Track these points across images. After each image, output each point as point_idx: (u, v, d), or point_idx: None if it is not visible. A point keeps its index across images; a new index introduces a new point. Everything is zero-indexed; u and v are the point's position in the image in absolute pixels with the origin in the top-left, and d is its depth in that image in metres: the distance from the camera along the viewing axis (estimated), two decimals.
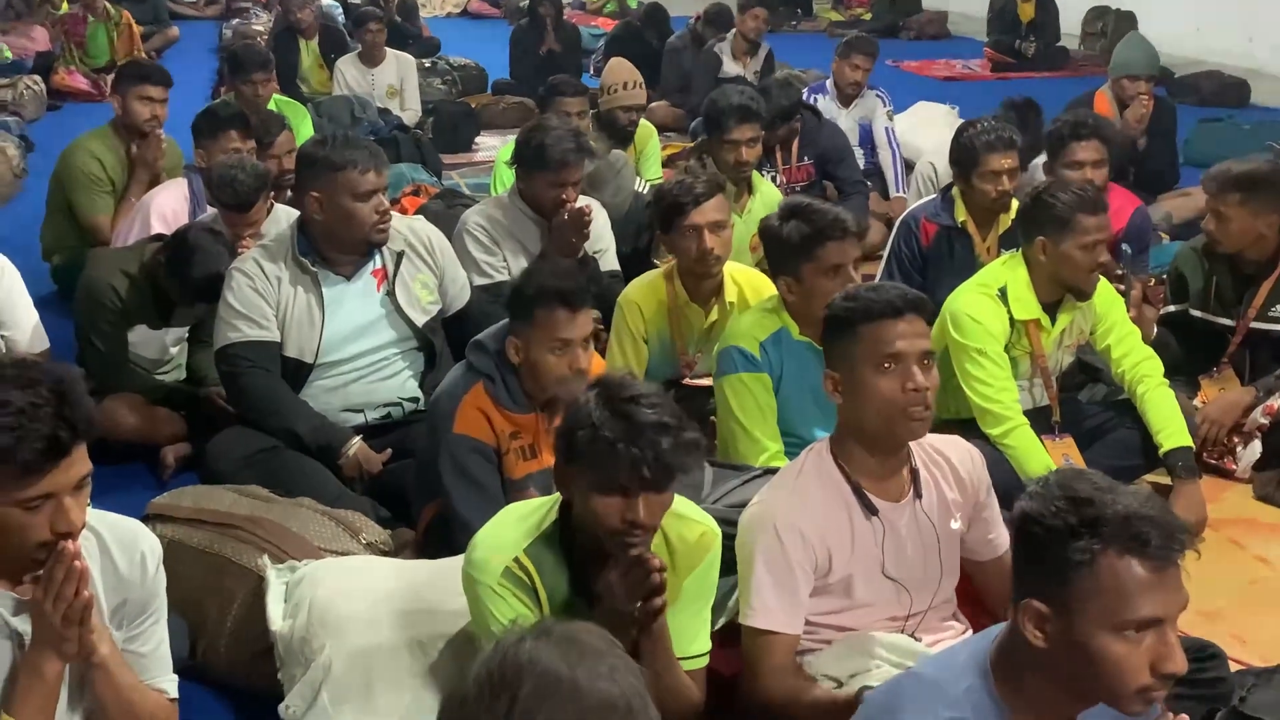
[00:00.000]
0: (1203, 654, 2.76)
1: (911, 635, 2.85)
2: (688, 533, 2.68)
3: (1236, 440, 4.38)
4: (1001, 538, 2.99)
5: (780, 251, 3.70)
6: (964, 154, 4.86)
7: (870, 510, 2.78)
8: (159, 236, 4.71)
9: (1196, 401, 4.53)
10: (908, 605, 2.85)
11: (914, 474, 2.84)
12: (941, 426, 3.98)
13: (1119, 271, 4.72)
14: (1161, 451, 4.05)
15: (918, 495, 2.83)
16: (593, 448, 2.41)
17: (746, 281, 4.29)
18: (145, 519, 3.31)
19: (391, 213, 4.09)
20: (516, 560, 2.56)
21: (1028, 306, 4.03)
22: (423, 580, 3.06)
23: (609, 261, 4.98)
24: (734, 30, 9.39)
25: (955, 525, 2.88)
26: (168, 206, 5.20)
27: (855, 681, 2.71)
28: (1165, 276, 4.99)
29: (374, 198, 3.95)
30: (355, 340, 4.04)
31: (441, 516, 3.43)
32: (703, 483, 3.33)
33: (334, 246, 4.01)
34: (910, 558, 2.82)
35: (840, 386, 2.79)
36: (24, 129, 8.84)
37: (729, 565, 2.81)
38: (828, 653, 2.80)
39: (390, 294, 4.08)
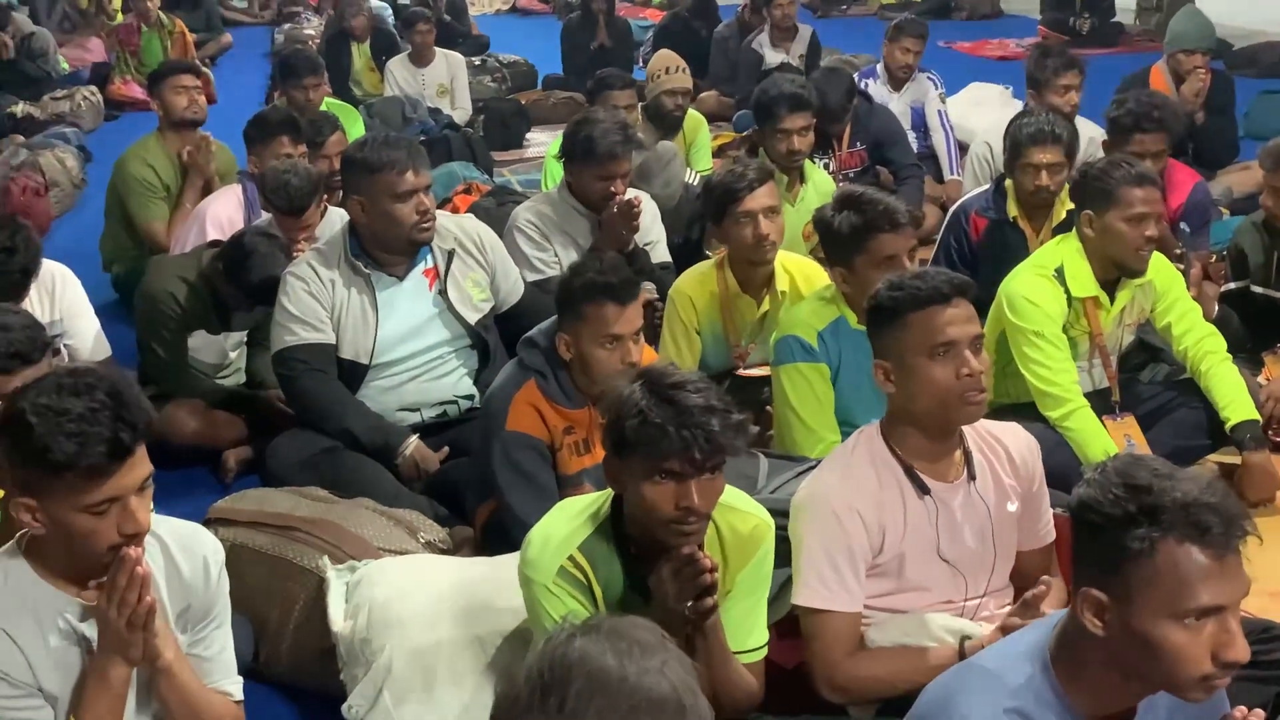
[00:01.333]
0: (1267, 635, 2.71)
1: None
2: (740, 525, 2.68)
3: None
4: (1048, 529, 2.97)
5: (833, 242, 3.68)
6: (1010, 143, 4.78)
7: (923, 490, 2.76)
8: (216, 243, 4.76)
9: (1260, 379, 4.45)
10: (963, 589, 2.82)
11: (967, 456, 2.82)
12: (1000, 411, 3.98)
13: (1178, 251, 4.65)
14: (1228, 425, 3.99)
15: (971, 477, 2.81)
16: (642, 434, 2.41)
17: (798, 271, 4.27)
18: (207, 523, 3.35)
19: (437, 212, 4.10)
20: (571, 558, 2.56)
21: (1085, 284, 3.98)
22: (480, 577, 3.08)
23: (660, 253, 4.98)
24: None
25: (1011, 508, 2.86)
26: (223, 213, 5.25)
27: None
28: (1226, 253, 4.91)
29: (414, 198, 3.95)
30: (409, 340, 4.07)
31: (498, 514, 3.44)
32: (758, 474, 3.32)
33: (380, 247, 4.04)
34: (965, 540, 2.80)
35: (892, 375, 2.77)
36: (82, 139, 8.95)
37: (784, 557, 2.79)
38: (883, 628, 2.78)
39: (443, 293, 4.10)
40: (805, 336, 3.65)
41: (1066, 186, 4.52)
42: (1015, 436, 2.94)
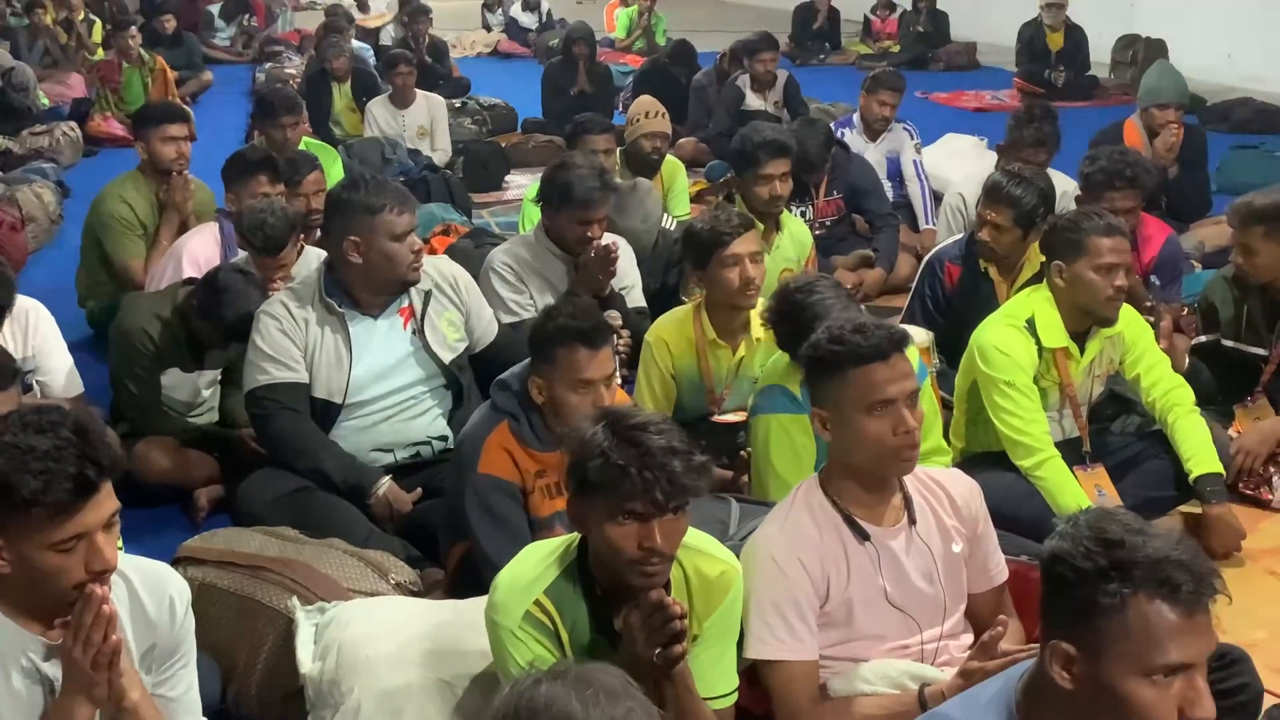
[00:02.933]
0: (1223, 661, 2.70)
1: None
2: (708, 569, 2.68)
3: (1273, 470, 4.34)
4: (999, 569, 3.00)
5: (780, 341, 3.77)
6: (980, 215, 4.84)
7: (862, 535, 2.79)
8: (191, 280, 4.75)
9: (1231, 432, 4.48)
10: (917, 633, 2.84)
11: (907, 501, 2.85)
12: (972, 460, 4.01)
13: (1149, 304, 4.69)
14: (1191, 478, 4.03)
15: (912, 521, 2.84)
16: (604, 475, 2.42)
17: None
18: (176, 562, 3.34)
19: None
20: (537, 603, 2.56)
21: (1056, 335, 4.02)
22: (449, 620, 3.07)
23: (635, 297, 5.00)
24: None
25: (957, 549, 2.89)
26: (200, 251, 5.24)
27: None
28: (1197, 306, 4.96)
29: (409, 237, 4.00)
30: (383, 379, 4.06)
31: (470, 556, 3.43)
32: (729, 519, 3.32)
33: (369, 288, 4.04)
34: (913, 583, 2.82)
35: (828, 424, 2.80)
36: (60, 175, 8.93)
37: None
38: (844, 676, 2.79)
39: (418, 332, 4.11)
40: (790, 387, 3.64)
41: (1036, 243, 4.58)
42: (955, 480, 2.98)
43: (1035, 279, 4.52)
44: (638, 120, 6.70)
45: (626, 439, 2.43)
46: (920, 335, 4.34)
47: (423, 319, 4.11)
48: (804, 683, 2.74)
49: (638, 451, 2.41)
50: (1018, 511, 3.64)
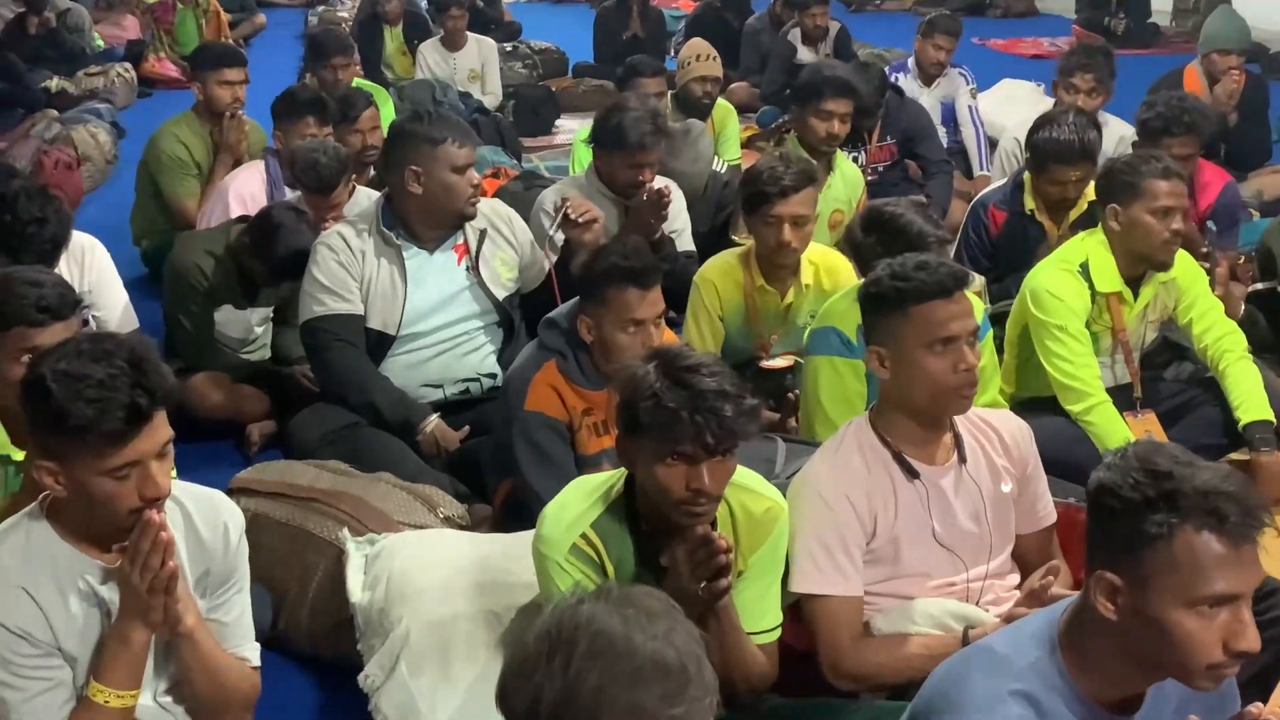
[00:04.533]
0: (1266, 593, 2.68)
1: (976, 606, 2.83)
2: (754, 506, 2.69)
3: None
4: (1047, 511, 2.98)
5: (860, 261, 3.70)
6: (1036, 155, 4.74)
7: (912, 474, 2.77)
8: (244, 218, 4.79)
9: None
10: (963, 572, 2.83)
11: (957, 439, 2.83)
12: (1022, 404, 3.98)
13: (1205, 250, 4.63)
14: (1240, 425, 3.99)
15: (962, 459, 2.82)
16: (655, 417, 2.42)
17: (823, 262, 4.27)
18: (230, 492, 3.37)
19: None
20: (584, 535, 2.58)
21: (1110, 279, 3.98)
22: (497, 553, 3.10)
23: (685, 242, 4.99)
24: None
25: (1006, 489, 2.87)
26: (246, 189, 5.29)
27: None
28: (1254, 253, 4.89)
29: (468, 171, 4.04)
30: (437, 312, 4.10)
31: (517, 492, 3.46)
32: (776, 458, 3.32)
33: (427, 220, 4.08)
34: (960, 522, 2.81)
35: (887, 362, 2.78)
36: (115, 116, 9.00)
37: None
38: (887, 615, 2.79)
39: (472, 268, 4.14)
40: (845, 330, 3.62)
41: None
42: (1006, 420, 2.96)
43: (1083, 221, 4.47)
44: (689, 63, 6.66)
45: (678, 381, 2.43)
46: (972, 280, 4.30)
47: (477, 256, 4.14)
48: (847, 618, 2.74)
49: (689, 394, 2.41)
50: (1067, 456, 3.61)
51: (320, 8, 13.64)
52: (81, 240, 4.29)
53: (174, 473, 2.56)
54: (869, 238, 3.65)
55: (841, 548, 2.73)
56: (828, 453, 2.86)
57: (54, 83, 9.48)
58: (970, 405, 2.79)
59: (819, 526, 2.73)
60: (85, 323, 3.88)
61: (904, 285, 2.73)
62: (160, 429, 2.28)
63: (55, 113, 8.49)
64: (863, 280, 3.65)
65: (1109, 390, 3.98)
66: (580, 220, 4.34)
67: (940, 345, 2.70)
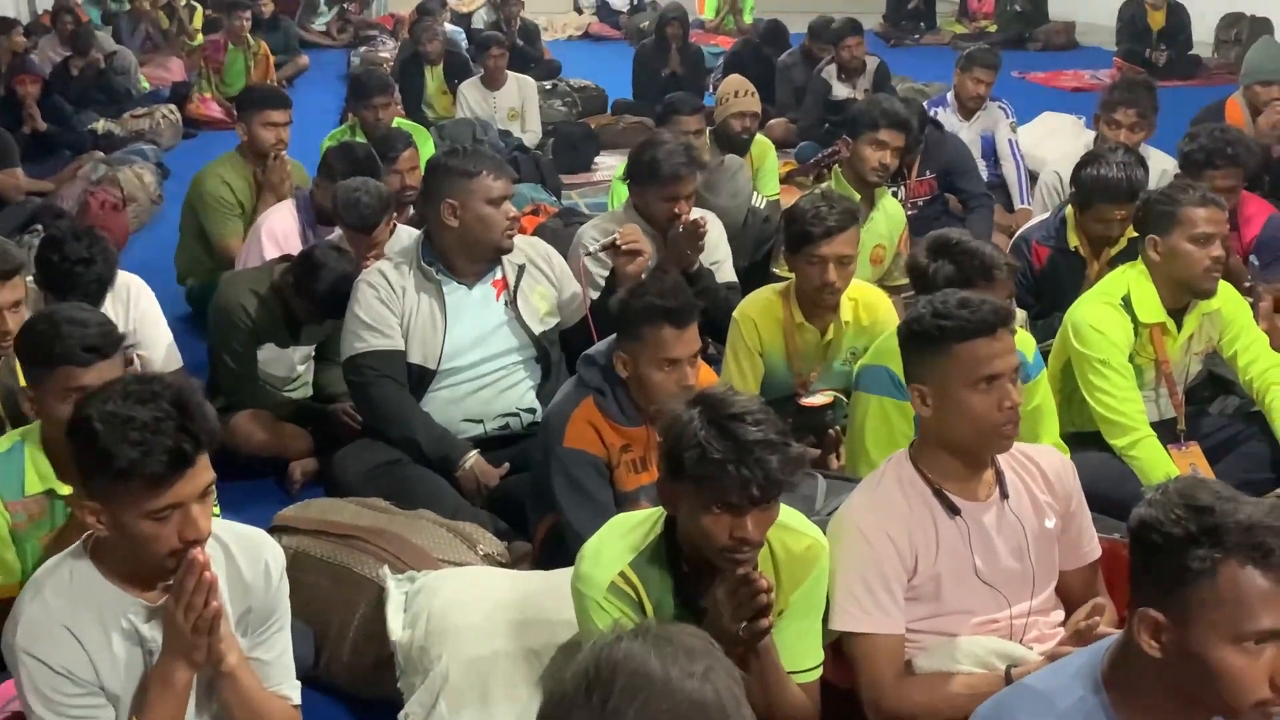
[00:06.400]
0: None
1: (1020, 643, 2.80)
2: (794, 544, 2.67)
3: None
4: (1091, 547, 2.95)
5: (926, 288, 3.62)
6: (1082, 191, 4.71)
7: (953, 510, 2.75)
8: (287, 256, 4.83)
9: None
10: (1006, 609, 2.80)
11: (999, 475, 2.81)
12: (1066, 439, 3.95)
13: (1247, 284, 4.59)
14: None
15: (1004, 495, 2.80)
16: (701, 468, 2.41)
17: (862, 298, 4.24)
18: (272, 530, 3.40)
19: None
20: (622, 574, 2.57)
21: (1152, 310, 3.95)
22: (536, 590, 3.10)
23: (725, 273, 4.98)
24: None
25: (1049, 524, 2.84)
26: (278, 227, 5.35)
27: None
28: None
29: (504, 204, 4.08)
30: (477, 347, 4.12)
31: (557, 529, 3.46)
32: (816, 495, 3.31)
33: (464, 254, 4.11)
34: (1002, 558, 2.79)
35: (929, 400, 2.75)
36: (160, 156, 9.11)
37: None
38: (929, 653, 2.76)
39: (510, 303, 4.16)
40: (896, 371, 3.59)
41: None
42: (1049, 456, 2.93)
43: (1123, 255, 4.44)
44: (727, 99, 6.68)
45: (723, 430, 2.41)
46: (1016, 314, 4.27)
47: (515, 291, 4.17)
48: (889, 656, 2.72)
49: (734, 445, 2.39)
50: (1112, 492, 3.58)
51: (362, 48, 13.79)
52: (127, 280, 4.35)
53: (217, 510, 2.59)
54: (938, 262, 3.61)
55: (883, 585, 2.71)
56: (867, 489, 2.84)
57: (100, 124, 9.62)
58: (1012, 444, 2.77)
59: (860, 563, 2.72)
60: (130, 361, 3.93)
61: (947, 324, 2.71)
62: (203, 472, 2.29)
63: (101, 154, 8.60)
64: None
65: (1153, 424, 3.95)
66: (625, 248, 4.35)
67: (984, 383, 2.68)
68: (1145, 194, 4.08)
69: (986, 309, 2.72)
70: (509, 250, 4.14)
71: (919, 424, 2.83)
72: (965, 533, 2.76)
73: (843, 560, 2.73)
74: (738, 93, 6.66)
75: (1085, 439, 3.98)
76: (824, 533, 2.75)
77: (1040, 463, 2.89)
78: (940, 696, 2.68)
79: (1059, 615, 2.89)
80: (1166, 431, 3.99)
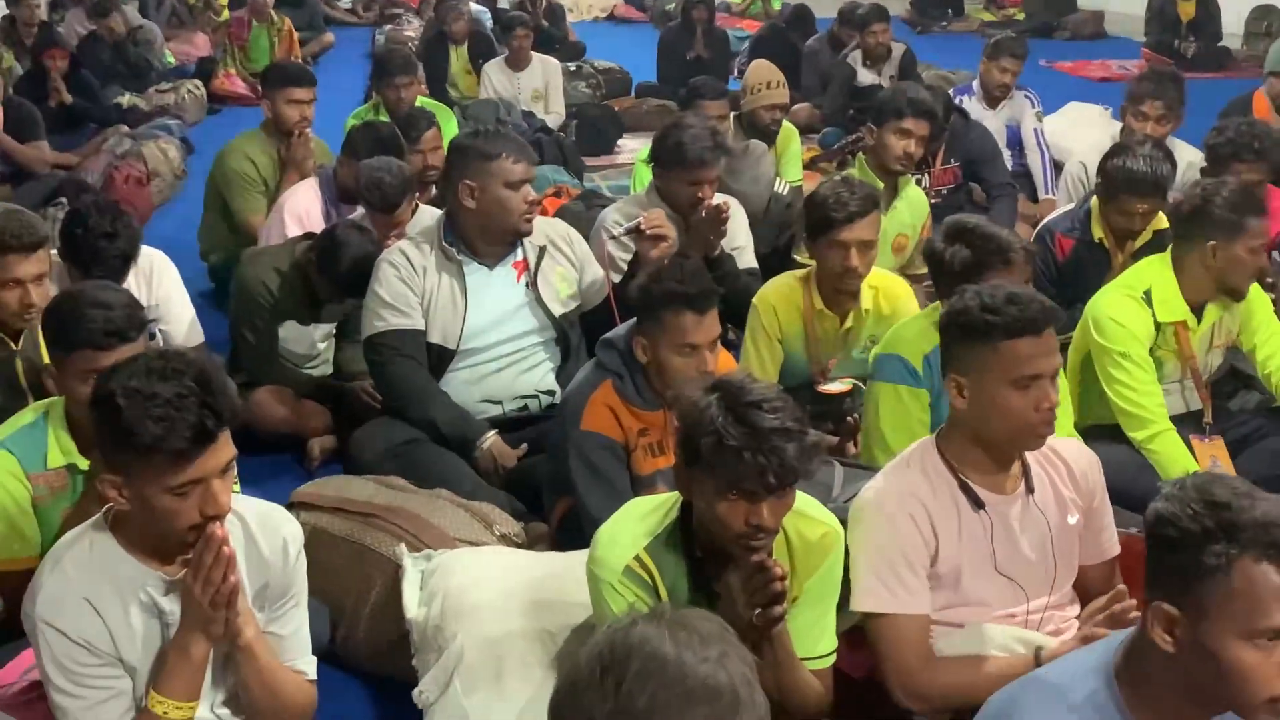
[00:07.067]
0: None
1: None
2: (809, 531, 2.67)
3: None
4: (1112, 543, 2.94)
5: (942, 275, 3.62)
6: (1107, 182, 4.67)
7: (977, 504, 2.74)
8: (309, 234, 4.85)
9: None
10: (1023, 602, 2.80)
11: (1025, 469, 2.80)
12: (1085, 432, 3.93)
13: (1269, 280, 4.57)
14: None
15: (1029, 490, 2.79)
16: (717, 455, 2.41)
17: (883, 287, 4.23)
18: (290, 506, 3.41)
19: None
20: (637, 558, 2.58)
21: (1173, 309, 3.94)
22: (552, 572, 3.11)
23: (746, 259, 4.98)
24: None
25: (1072, 520, 2.83)
26: (300, 205, 5.37)
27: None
28: None
29: (524, 187, 4.08)
30: (496, 328, 4.13)
31: (574, 511, 3.47)
32: (833, 482, 3.31)
33: (483, 235, 4.12)
34: (1023, 552, 2.77)
35: (966, 392, 2.73)
36: (185, 132, 9.15)
37: None
38: (949, 639, 2.75)
39: (531, 284, 4.17)
40: (910, 358, 3.58)
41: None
42: (1076, 451, 2.92)
43: (1148, 247, 4.42)
44: (758, 90, 6.61)
45: (740, 418, 2.41)
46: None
47: (536, 273, 4.18)
48: (915, 638, 2.70)
49: (751, 432, 2.40)
50: (1130, 486, 3.55)
51: (388, 26, 13.79)
52: (150, 255, 4.37)
53: (237, 486, 2.60)
54: (954, 246, 3.58)
55: (906, 565, 2.70)
56: (892, 473, 2.83)
57: (126, 99, 9.66)
58: (1044, 443, 2.76)
59: (883, 544, 2.71)
60: (152, 336, 3.95)
61: (995, 319, 2.67)
62: (224, 448, 2.31)
63: (126, 128, 8.63)
64: (943, 305, 3.62)
65: (1179, 416, 3.94)
66: (650, 233, 4.36)
67: (1025, 382, 2.65)
68: (1199, 195, 4.00)
69: (1035, 307, 2.69)
70: (527, 233, 4.15)
71: (951, 413, 2.81)
72: (988, 525, 2.75)
73: (866, 542, 2.72)
74: (769, 84, 6.59)
75: (1104, 431, 3.97)
76: (840, 520, 2.75)
77: (1067, 458, 2.87)
78: (972, 679, 2.63)
79: (1075, 610, 2.88)
80: (1192, 423, 3.99)
